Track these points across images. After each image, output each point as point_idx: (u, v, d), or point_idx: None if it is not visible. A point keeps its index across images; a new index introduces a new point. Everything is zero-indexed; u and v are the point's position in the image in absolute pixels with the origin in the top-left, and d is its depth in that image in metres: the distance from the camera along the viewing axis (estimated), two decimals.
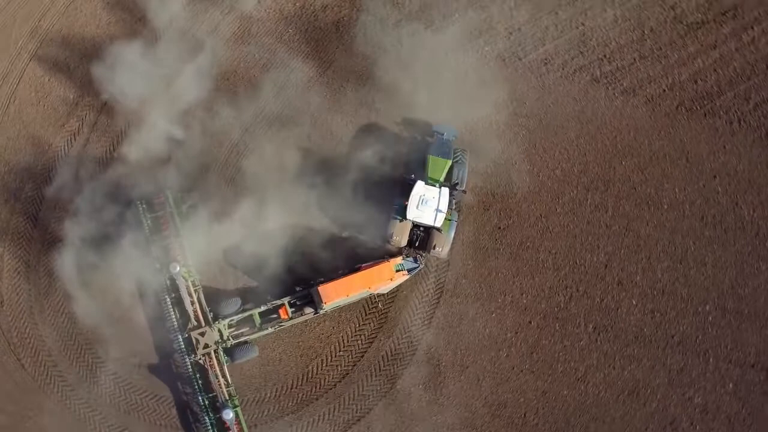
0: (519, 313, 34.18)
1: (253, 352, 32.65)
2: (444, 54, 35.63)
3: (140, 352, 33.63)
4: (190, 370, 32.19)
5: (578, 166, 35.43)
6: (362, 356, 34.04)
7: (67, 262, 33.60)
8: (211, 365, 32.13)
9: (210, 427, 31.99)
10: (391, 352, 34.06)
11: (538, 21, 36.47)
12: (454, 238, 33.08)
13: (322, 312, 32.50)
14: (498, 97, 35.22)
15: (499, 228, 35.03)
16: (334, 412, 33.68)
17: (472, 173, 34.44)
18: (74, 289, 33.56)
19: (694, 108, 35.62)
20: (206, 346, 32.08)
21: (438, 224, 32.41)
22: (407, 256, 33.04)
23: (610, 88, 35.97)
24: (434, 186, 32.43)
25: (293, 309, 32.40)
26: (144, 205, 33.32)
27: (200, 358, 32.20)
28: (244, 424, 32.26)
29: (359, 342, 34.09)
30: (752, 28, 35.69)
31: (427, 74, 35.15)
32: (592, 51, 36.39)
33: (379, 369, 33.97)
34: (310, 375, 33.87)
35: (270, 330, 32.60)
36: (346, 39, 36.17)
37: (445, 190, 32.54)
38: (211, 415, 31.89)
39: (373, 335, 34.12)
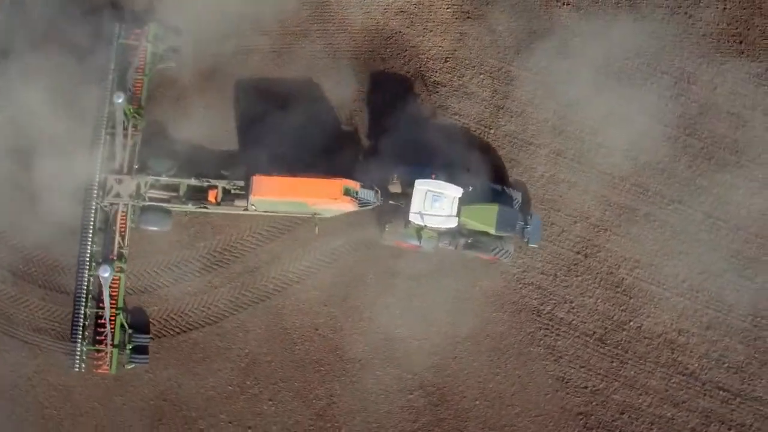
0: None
1: (165, 224, 26.07)
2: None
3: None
4: (92, 214, 25.85)
5: (448, 360, 26.52)
6: None
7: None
8: (115, 217, 25.85)
9: (84, 282, 25.54)
10: None
11: (559, 258, 27.33)
12: (403, 244, 26.17)
13: (251, 209, 25.57)
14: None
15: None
16: None
17: None
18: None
19: (594, 430, 25.52)
20: (118, 195, 25.82)
21: (410, 220, 25.35)
22: (369, 187, 25.62)
23: (548, 338, 26.71)
24: (457, 213, 25.16)
25: (226, 197, 25.82)
26: (121, 29, 27.27)
27: (106, 206, 25.94)
28: (122, 295, 25.61)
29: None
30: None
31: None
32: (573, 311, 27.05)
33: None
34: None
35: (191, 208, 26.03)
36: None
37: (453, 222, 25.15)
38: (92, 271, 25.56)
39: None
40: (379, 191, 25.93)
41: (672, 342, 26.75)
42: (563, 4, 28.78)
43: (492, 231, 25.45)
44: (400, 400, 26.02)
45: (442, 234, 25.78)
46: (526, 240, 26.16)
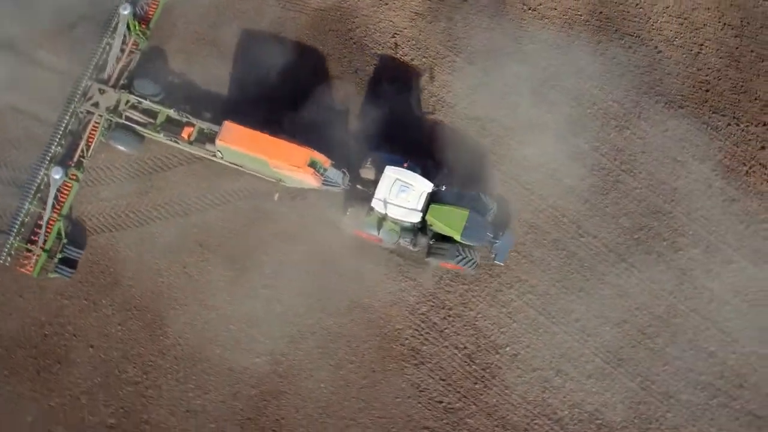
0: None
1: (133, 146, 25.13)
2: None
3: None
4: (68, 115, 25.04)
5: (306, 334, 24.37)
6: None
7: None
8: (86, 125, 25.10)
9: (38, 179, 24.62)
10: None
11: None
12: (364, 234, 23.84)
13: (217, 154, 24.11)
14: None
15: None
16: None
17: None
18: None
19: None
20: (96, 105, 25.11)
21: (372, 206, 23.00)
22: (338, 168, 23.57)
23: (415, 340, 24.39)
24: (422, 207, 22.81)
25: (200, 138, 24.56)
26: None
27: (82, 112, 25.19)
28: (69, 203, 24.73)
29: None
30: None
31: None
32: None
33: None
34: None
35: (162, 138, 24.79)
36: None
37: (416, 217, 22.85)
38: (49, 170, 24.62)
39: None
40: (348, 176, 23.89)
41: (546, 381, 23.78)
42: (528, 8, 26.59)
43: (457, 237, 22.86)
44: (246, 360, 23.94)
45: (404, 230, 23.47)
46: (493, 256, 23.54)
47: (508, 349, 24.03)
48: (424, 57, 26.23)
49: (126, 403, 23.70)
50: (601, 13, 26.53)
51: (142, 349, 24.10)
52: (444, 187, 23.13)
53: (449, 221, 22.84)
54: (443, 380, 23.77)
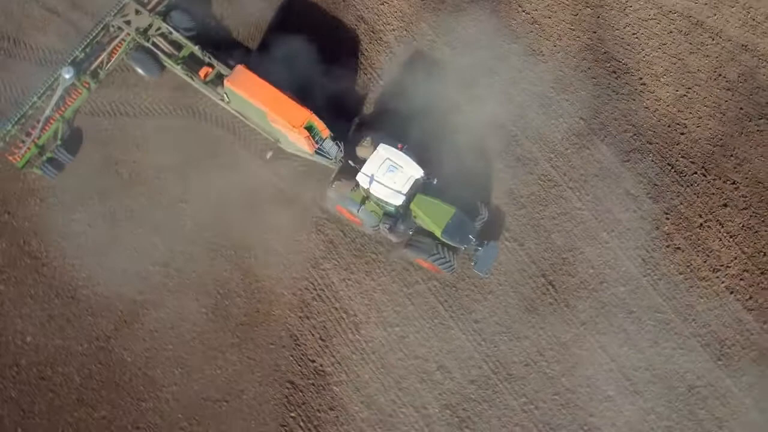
0: None
1: (152, 72, 25.29)
2: None
3: None
4: (100, 26, 25.50)
5: (204, 257, 23.67)
6: None
7: None
8: (112, 39, 25.60)
9: (54, 77, 24.85)
10: None
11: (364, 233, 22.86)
12: (344, 210, 23.12)
13: (224, 98, 24.08)
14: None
15: None
16: None
17: None
18: None
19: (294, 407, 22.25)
20: (128, 23, 25.55)
21: (358, 180, 22.04)
22: (337, 142, 23.00)
23: (308, 293, 23.54)
24: (406, 191, 21.77)
25: (216, 81, 24.44)
26: None
27: (114, 27, 25.75)
28: (74, 108, 24.94)
29: None
30: None
31: None
32: None
33: None
34: None
35: (179, 70, 24.92)
36: None
37: (399, 200, 21.80)
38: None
39: None
40: (343, 151, 23.13)
41: (426, 373, 22.28)
42: (523, 10, 25.96)
43: (438, 234, 21.89)
44: (141, 266, 23.50)
45: (386, 215, 22.50)
46: (473, 263, 22.38)
47: (397, 329, 22.70)
48: (406, 30, 25.88)
49: (19, 274, 23.58)
50: (595, 32, 25.63)
51: (51, 229, 24.02)
52: (436, 180, 22.03)
53: (433, 215, 21.75)
54: (323, 341, 22.62)
